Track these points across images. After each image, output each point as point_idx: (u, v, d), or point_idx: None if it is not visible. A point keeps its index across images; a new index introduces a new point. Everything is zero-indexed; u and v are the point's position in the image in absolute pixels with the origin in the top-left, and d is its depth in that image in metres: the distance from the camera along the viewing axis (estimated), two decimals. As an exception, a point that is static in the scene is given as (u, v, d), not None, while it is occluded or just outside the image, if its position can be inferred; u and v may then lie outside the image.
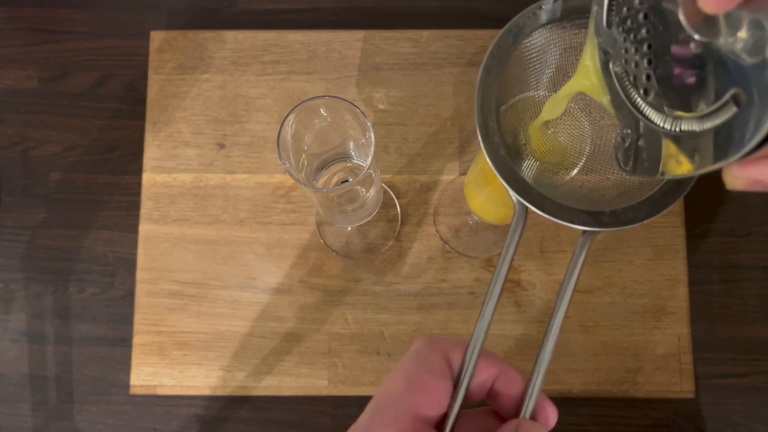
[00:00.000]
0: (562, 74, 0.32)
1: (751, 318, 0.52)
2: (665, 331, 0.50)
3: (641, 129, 0.23)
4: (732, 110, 0.18)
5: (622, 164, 0.24)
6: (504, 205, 0.39)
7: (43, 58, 0.57)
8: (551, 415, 0.25)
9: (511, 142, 0.32)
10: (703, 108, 0.19)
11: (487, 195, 0.39)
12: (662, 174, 0.22)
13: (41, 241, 0.55)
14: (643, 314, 0.51)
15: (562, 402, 0.51)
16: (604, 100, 0.24)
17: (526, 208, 0.27)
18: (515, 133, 0.33)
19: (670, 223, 0.52)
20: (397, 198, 0.53)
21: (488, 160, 0.27)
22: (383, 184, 0.52)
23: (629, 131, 0.23)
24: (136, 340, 0.51)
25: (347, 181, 0.45)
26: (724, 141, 0.18)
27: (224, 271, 0.52)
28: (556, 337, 0.27)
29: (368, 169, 0.36)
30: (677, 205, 0.52)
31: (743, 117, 0.17)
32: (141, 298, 0.52)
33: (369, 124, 0.36)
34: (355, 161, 0.44)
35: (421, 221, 0.52)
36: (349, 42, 0.54)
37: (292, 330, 0.51)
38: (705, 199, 0.54)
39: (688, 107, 0.20)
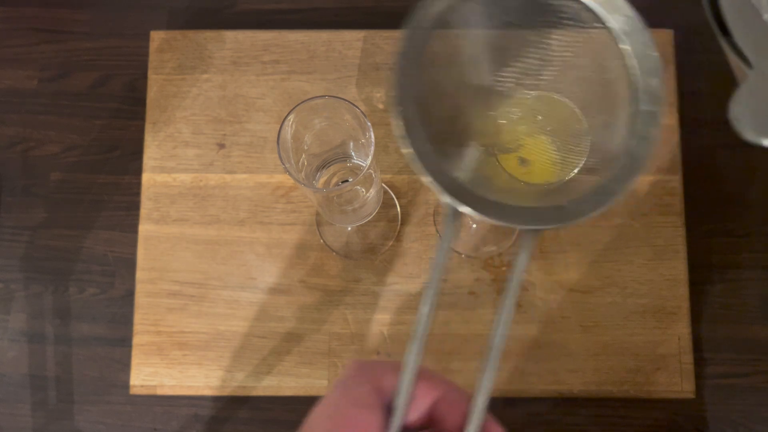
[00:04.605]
0: (502, 52, 0.30)
1: (751, 318, 0.52)
2: (665, 331, 0.50)
3: None
4: None
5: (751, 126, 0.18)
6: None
7: (43, 58, 0.57)
8: None
9: (439, 135, 0.30)
10: None
11: None
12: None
13: (41, 241, 0.55)
14: (643, 314, 0.50)
15: (562, 402, 0.51)
16: None
17: (460, 211, 0.24)
18: (446, 125, 0.31)
19: (671, 222, 0.52)
20: (397, 198, 0.53)
21: (412, 158, 0.24)
22: (383, 184, 0.52)
23: None
24: (136, 340, 0.51)
25: (347, 181, 0.45)
26: None
27: (224, 271, 0.52)
28: (500, 351, 0.24)
29: (368, 169, 0.36)
30: (677, 206, 0.52)
31: None
32: (141, 298, 0.52)
33: (369, 124, 0.36)
34: (355, 161, 0.44)
35: (421, 221, 0.52)
36: (349, 42, 0.54)
37: (292, 330, 0.51)
38: (705, 199, 0.53)
39: None
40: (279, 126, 0.36)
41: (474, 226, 0.53)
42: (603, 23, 0.27)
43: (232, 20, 0.58)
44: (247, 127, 0.54)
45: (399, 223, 0.52)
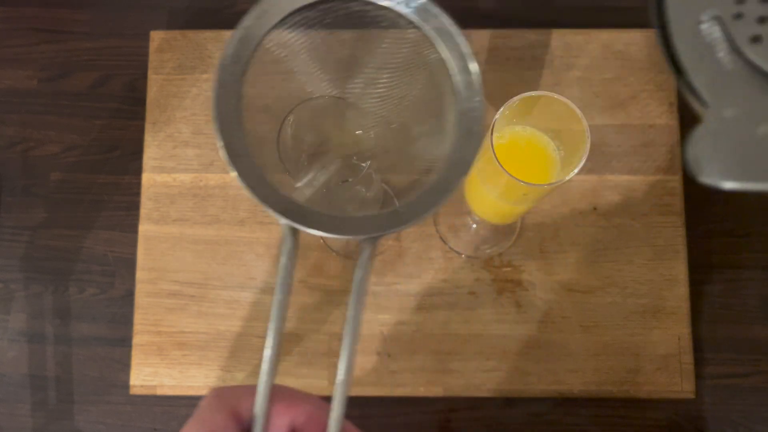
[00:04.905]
0: (333, 64, 0.31)
1: (751, 318, 0.52)
2: (665, 331, 0.50)
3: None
4: None
5: (703, 167, 0.16)
6: (508, 202, 0.39)
7: (43, 58, 0.57)
8: None
9: (267, 154, 0.31)
10: None
11: (492, 189, 0.38)
12: None
13: (41, 241, 0.55)
14: (644, 314, 0.50)
15: (562, 402, 0.51)
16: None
17: (296, 229, 0.25)
18: (282, 142, 0.32)
19: (671, 223, 0.52)
20: (397, 198, 0.53)
21: (245, 188, 0.25)
22: (383, 184, 0.52)
23: (735, 114, 0.16)
24: (136, 340, 0.51)
25: (347, 181, 0.45)
26: None
27: (224, 271, 0.52)
28: (350, 361, 0.24)
29: (368, 169, 0.36)
30: (677, 206, 0.52)
31: None
32: (141, 298, 0.52)
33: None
34: (355, 161, 0.44)
35: (421, 221, 0.52)
36: (349, 42, 0.54)
37: (292, 330, 0.51)
38: (705, 199, 0.53)
39: None
40: (279, 126, 0.36)
41: (474, 226, 0.53)
42: (418, 28, 0.29)
43: (232, 20, 0.57)
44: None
45: (399, 223, 0.52)
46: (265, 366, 0.24)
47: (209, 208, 0.53)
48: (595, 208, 0.52)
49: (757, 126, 0.15)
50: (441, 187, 0.26)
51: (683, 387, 0.50)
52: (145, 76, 0.55)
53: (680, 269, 0.51)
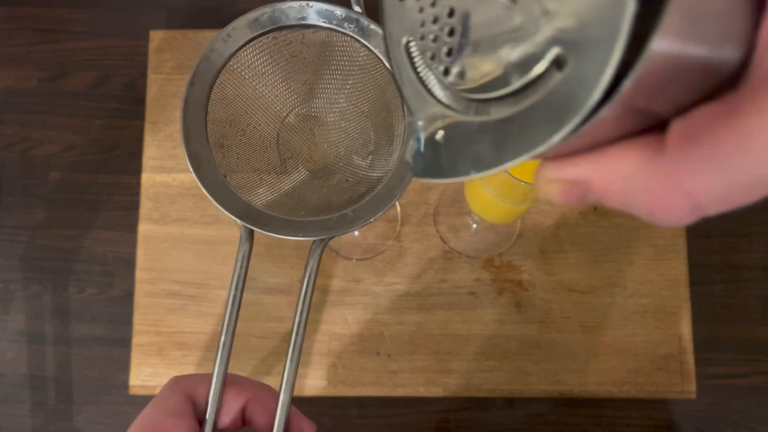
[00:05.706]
0: (298, 81, 0.34)
1: (751, 318, 0.52)
2: (666, 331, 0.50)
3: (440, 120, 0.17)
4: (554, 78, 0.13)
5: (412, 166, 0.18)
6: (508, 202, 0.39)
7: (43, 58, 0.57)
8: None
9: (234, 162, 0.34)
10: (515, 83, 0.14)
11: (493, 189, 0.38)
12: (465, 175, 0.16)
13: (40, 241, 0.54)
14: (644, 314, 0.50)
15: (562, 402, 0.51)
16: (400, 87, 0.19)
17: (251, 230, 0.28)
18: (246, 152, 0.35)
19: (671, 223, 0.52)
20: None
21: (204, 191, 0.28)
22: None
23: (423, 123, 0.18)
24: (136, 340, 0.51)
25: (348, 181, 0.45)
26: (541, 122, 0.14)
27: (224, 271, 0.52)
28: (299, 350, 0.27)
29: (368, 169, 0.36)
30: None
31: (567, 85, 0.13)
32: (140, 299, 0.52)
33: (369, 125, 0.36)
34: (355, 161, 0.44)
35: (421, 221, 0.52)
36: (350, 42, 0.54)
37: (291, 330, 0.51)
38: (705, 199, 0.53)
39: (502, 84, 0.15)
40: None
41: (474, 226, 0.53)
42: (369, 49, 0.32)
43: (231, 20, 0.57)
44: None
45: (399, 223, 0.52)
46: (219, 353, 0.26)
47: (209, 208, 0.53)
48: (595, 208, 0.52)
49: (432, 132, 0.17)
50: (386, 194, 0.28)
51: (683, 387, 0.49)
52: (144, 76, 0.55)
53: (680, 269, 0.51)
